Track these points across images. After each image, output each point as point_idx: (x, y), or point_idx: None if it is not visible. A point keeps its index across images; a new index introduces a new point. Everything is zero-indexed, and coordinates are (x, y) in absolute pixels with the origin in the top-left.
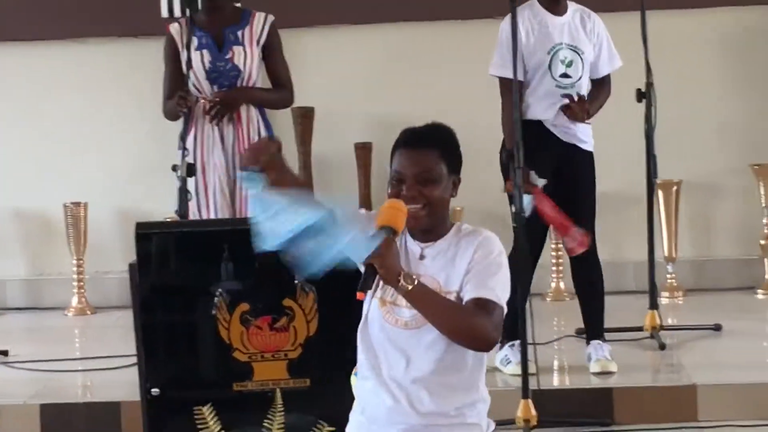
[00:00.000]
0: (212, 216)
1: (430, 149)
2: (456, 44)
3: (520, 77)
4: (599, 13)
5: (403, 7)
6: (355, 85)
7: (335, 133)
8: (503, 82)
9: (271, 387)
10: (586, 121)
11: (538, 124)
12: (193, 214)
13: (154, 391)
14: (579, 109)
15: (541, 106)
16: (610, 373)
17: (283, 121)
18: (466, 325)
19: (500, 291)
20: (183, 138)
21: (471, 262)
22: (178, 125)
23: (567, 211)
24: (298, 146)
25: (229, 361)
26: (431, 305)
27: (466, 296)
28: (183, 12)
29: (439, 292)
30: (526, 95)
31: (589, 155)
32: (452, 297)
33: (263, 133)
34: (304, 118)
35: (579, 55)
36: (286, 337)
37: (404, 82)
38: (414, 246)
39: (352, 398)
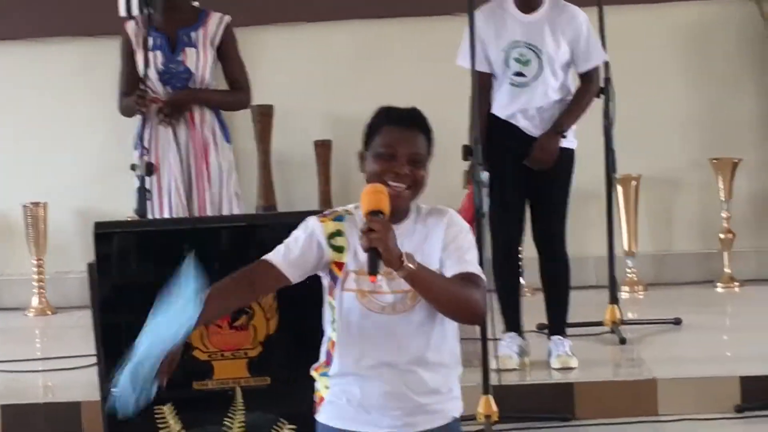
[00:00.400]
0: (167, 216)
1: (421, 132)
2: (415, 41)
3: (488, 70)
4: None
5: (363, 5)
6: (315, 82)
7: (295, 130)
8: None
9: (232, 386)
10: (564, 135)
11: (501, 119)
12: (148, 215)
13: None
14: (540, 157)
15: (501, 103)
16: (570, 368)
17: (242, 119)
18: (463, 299)
19: (478, 265)
20: (140, 137)
21: (445, 238)
22: (136, 124)
23: (534, 208)
24: (257, 144)
25: (189, 360)
26: (432, 283)
27: (449, 271)
28: (141, 11)
29: None
30: (494, 90)
31: (562, 153)
32: None
33: (218, 133)
34: (264, 116)
35: (537, 54)
36: (246, 336)
37: (364, 80)
38: None
39: (311, 396)
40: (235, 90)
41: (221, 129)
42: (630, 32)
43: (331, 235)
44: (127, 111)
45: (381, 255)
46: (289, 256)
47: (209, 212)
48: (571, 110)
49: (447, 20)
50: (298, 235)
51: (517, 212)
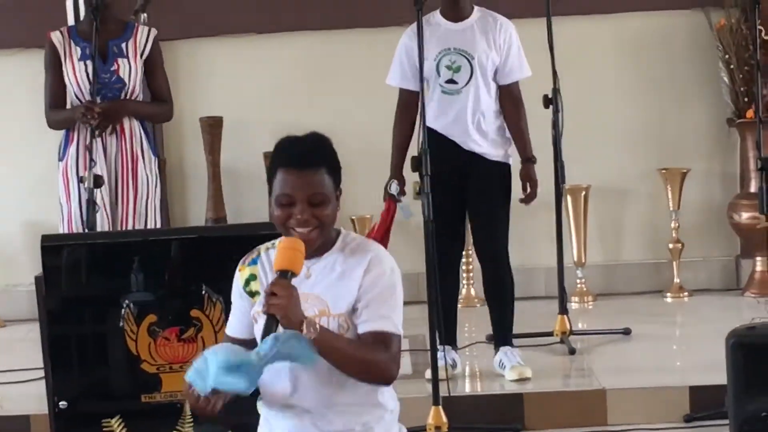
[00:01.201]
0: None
1: (317, 167)
2: (365, 53)
3: (417, 87)
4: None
5: (310, 17)
6: (264, 94)
7: (244, 142)
8: (400, 92)
9: (180, 398)
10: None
11: (435, 132)
12: (75, 227)
13: (62, 403)
14: (530, 189)
15: (432, 114)
16: (526, 378)
17: (191, 130)
18: (368, 365)
19: (396, 318)
20: (89, 149)
21: (362, 286)
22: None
23: (473, 220)
24: (206, 156)
25: (137, 373)
26: (334, 350)
27: (363, 327)
28: (91, 20)
29: (326, 315)
30: (427, 103)
31: (497, 166)
32: (340, 320)
33: (145, 146)
34: (212, 127)
35: (468, 59)
36: (194, 348)
37: (312, 91)
38: None
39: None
40: (160, 102)
41: (148, 141)
42: (578, 43)
43: (246, 282)
44: (60, 124)
45: (278, 322)
46: (240, 322)
47: (135, 224)
48: (520, 134)
49: (396, 31)
50: (233, 297)
51: (456, 226)
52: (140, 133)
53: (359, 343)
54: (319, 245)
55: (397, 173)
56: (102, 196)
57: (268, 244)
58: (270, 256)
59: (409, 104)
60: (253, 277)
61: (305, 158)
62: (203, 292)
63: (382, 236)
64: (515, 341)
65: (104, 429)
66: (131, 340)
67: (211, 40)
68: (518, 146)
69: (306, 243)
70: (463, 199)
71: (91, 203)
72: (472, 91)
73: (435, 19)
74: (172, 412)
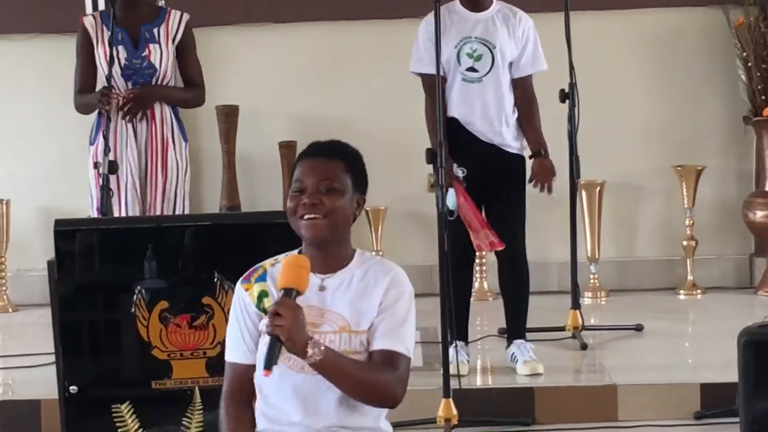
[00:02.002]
0: (124, 213)
1: (335, 159)
2: (380, 43)
3: (442, 73)
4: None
5: (329, 6)
6: (280, 83)
7: (259, 131)
8: (423, 78)
9: (190, 385)
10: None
11: (457, 121)
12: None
13: (72, 388)
14: (543, 179)
15: (454, 103)
16: (538, 374)
17: (207, 119)
18: (374, 386)
19: (409, 341)
20: (96, 134)
21: (382, 302)
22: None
23: (490, 213)
24: (221, 145)
25: (147, 359)
26: (339, 372)
27: (375, 344)
28: (107, 7)
29: (347, 332)
30: (446, 92)
31: (515, 158)
32: (362, 338)
33: (176, 132)
34: (228, 116)
35: (489, 48)
36: (205, 336)
37: (328, 81)
38: (313, 277)
39: None
40: (192, 87)
41: (179, 127)
42: (596, 38)
43: (259, 300)
44: (84, 108)
45: (283, 343)
46: (243, 347)
47: (163, 210)
48: (534, 128)
49: (412, 23)
50: (234, 318)
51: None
52: (171, 119)
53: (365, 363)
54: (334, 259)
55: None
56: (134, 181)
57: (271, 260)
58: (276, 271)
59: (435, 88)
60: (264, 294)
61: (323, 149)
62: (215, 280)
63: (482, 221)
64: (528, 335)
65: (114, 415)
66: (143, 326)
67: (227, 29)
68: (529, 139)
69: (313, 232)
70: (481, 191)
71: (106, 189)
72: (494, 80)
73: (454, 7)
74: (183, 398)
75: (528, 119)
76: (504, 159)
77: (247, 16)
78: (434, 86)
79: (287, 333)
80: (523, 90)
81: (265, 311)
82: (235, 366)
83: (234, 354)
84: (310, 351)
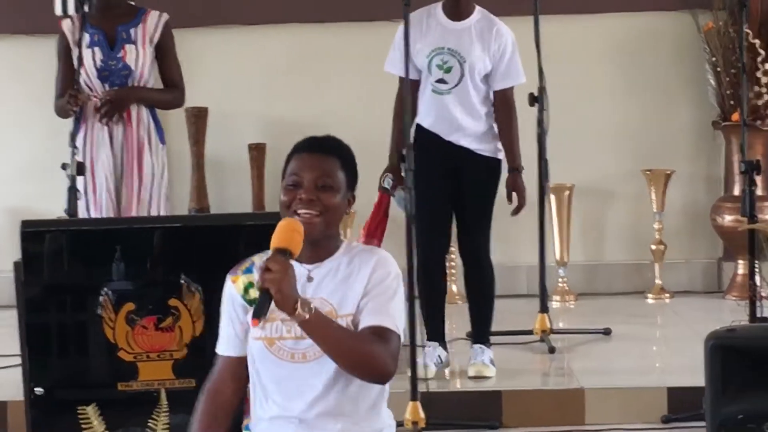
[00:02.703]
0: (99, 215)
1: (331, 156)
2: (352, 46)
3: (416, 76)
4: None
5: (299, 8)
6: (250, 85)
7: (229, 133)
8: (400, 80)
9: (157, 387)
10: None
11: (426, 129)
12: (81, 213)
13: (38, 390)
14: (518, 197)
15: (423, 111)
16: (485, 377)
17: (176, 120)
18: (364, 356)
19: (398, 318)
20: (73, 137)
21: (368, 283)
22: (70, 123)
23: (462, 218)
24: (191, 146)
25: (114, 361)
26: (328, 335)
27: (364, 322)
28: (77, 9)
29: (333, 317)
30: (419, 98)
31: (487, 161)
32: (348, 321)
33: (153, 134)
34: (198, 118)
35: (459, 62)
36: (172, 337)
37: (298, 83)
38: (300, 268)
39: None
40: (171, 89)
41: (156, 129)
42: (565, 42)
43: (245, 290)
44: (62, 112)
45: (273, 298)
46: (233, 339)
47: (139, 212)
48: (510, 142)
49: (383, 26)
50: (223, 311)
51: (444, 223)
52: (149, 121)
53: (356, 333)
54: (322, 249)
55: (393, 164)
56: (109, 183)
57: (261, 254)
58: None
59: (409, 92)
60: (251, 285)
61: (319, 145)
62: (182, 282)
63: (374, 230)
64: (494, 339)
65: (80, 416)
66: (109, 328)
67: (197, 31)
68: (506, 153)
69: (307, 229)
70: (452, 196)
71: (74, 190)
72: (462, 93)
73: (435, 12)
74: (149, 400)
75: (504, 133)
76: (475, 161)
77: (217, 18)
78: (404, 90)
79: (277, 285)
80: (499, 103)
81: (251, 303)
82: (223, 359)
83: (223, 347)
84: (299, 309)
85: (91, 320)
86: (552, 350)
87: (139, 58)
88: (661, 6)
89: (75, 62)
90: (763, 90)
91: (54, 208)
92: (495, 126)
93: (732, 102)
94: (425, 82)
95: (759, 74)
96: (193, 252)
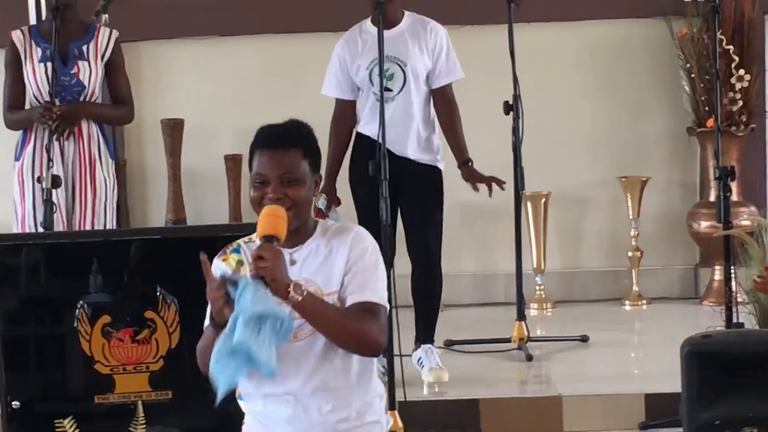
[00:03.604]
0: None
1: (293, 148)
2: (325, 56)
3: (353, 96)
4: (465, 26)
5: (272, 19)
6: (225, 97)
7: (205, 145)
8: (336, 102)
9: (133, 399)
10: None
11: (369, 138)
12: (28, 227)
13: (15, 404)
14: (476, 182)
15: (365, 120)
16: (443, 382)
17: (152, 132)
18: (355, 331)
19: (381, 290)
20: (48, 150)
21: (348, 260)
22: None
23: (405, 223)
24: (167, 158)
25: (90, 374)
26: (321, 314)
27: (350, 299)
28: (54, 18)
29: (320, 296)
30: (359, 111)
31: (428, 169)
32: (333, 298)
33: (102, 149)
34: (174, 129)
35: (401, 67)
36: (148, 350)
37: (274, 94)
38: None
39: (214, 410)
40: (120, 105)
41: (105, 144)
42: (541, 50)
43: (237, 266)
44: (17, 125)
45: (268, 284)
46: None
47: (94, 226)
48: (455, 137)
49: None
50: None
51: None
52: (98, 136)
53: (347, 311)
54: (299, 233)
55: (328, 184)
56: (59, 198)
57: (245, 238)
58: (251, 248)
59: (345, 113)
60: (241, 263)
61: (280, 139)
62: (158, 294)
63: None
64: (471, 347)
65: (57, 430)
66: (85, 341)
67: (173, 42)
68: (453, 149)
69: None
70: (396, 203)
71: (49, 203)
72: (405, 98)
73: (365, 27)
74: (126, 413)
75: (449, 130)
76: (416, 170)
77: (192, 30)
78: (343, 109)
79: (271, 273)
80: (441, 100)
81: (236, 283)
82: (212, 329)
83: (210, 321)
84: (291, 291)
85: (68, 333)
86: (529, 358)
87: (92, 75)
88: (635, 13)
89: (26, 76)
90: (737, 96)
91: (4, 221)
92: (435, 136)
93: (707, 108)
94: (367, 93)
95: (733, 80)
96: (169, 264)
